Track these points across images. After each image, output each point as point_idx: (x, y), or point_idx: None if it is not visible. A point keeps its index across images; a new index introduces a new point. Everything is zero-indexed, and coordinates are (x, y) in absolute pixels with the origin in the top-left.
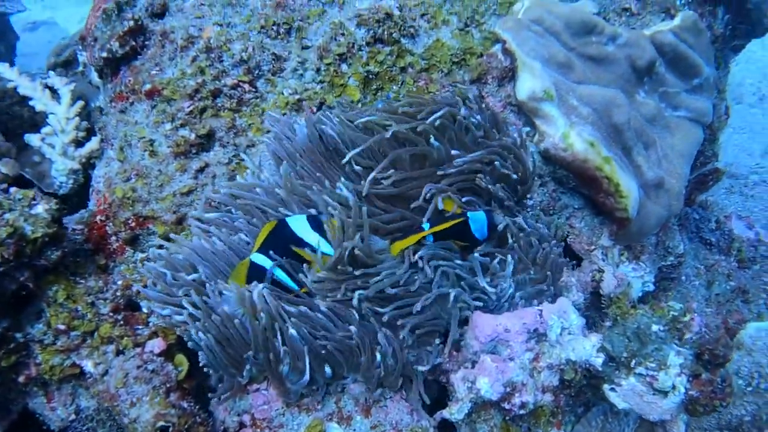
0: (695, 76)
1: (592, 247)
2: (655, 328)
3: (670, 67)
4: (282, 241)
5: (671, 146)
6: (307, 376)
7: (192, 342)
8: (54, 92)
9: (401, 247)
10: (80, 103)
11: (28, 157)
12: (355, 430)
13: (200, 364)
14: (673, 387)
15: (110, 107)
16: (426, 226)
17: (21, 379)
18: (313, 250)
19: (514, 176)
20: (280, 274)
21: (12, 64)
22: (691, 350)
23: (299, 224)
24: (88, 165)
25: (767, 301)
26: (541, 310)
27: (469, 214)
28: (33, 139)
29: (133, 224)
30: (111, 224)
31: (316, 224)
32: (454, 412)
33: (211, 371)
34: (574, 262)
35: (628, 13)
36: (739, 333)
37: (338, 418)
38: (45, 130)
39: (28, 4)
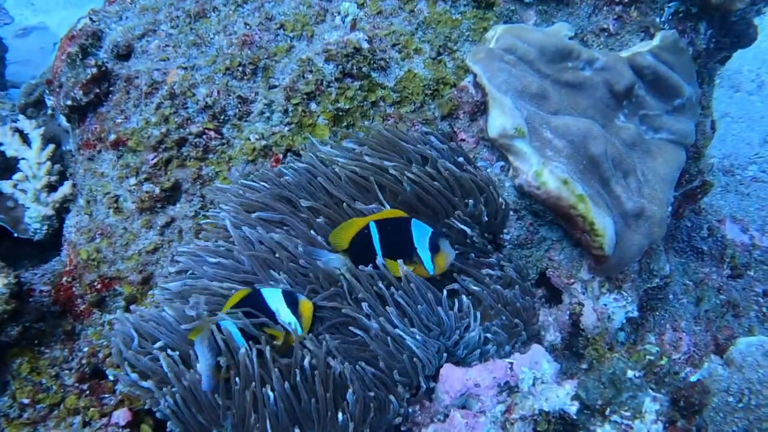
0: (676, 96)
1: (572, 281)
2: (630, 374)
3: (651, 89)
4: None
5: (653, 170)
6: None
7: (159, 411)
8: (24, 136)
9: (347, 236)
10: (51, 147)
11: (1, 201)
12: None
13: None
14: None
15: (79, 154)
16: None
17: None
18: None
19: (485, 218)
20: (233, 330)
21: (3, 77)
22: (667, 396)
23: (273, 297)
24: (62, 209)
25: (758, 313)
26: (511, 363)
27: (413, 219)
28: (5, 186)
29: (99, 286)
30: (78, 285)
31: (290, 300)
32: None
33: None
34: (549, 305)
35: (606, 34)
36: (729, 349)
37: None
38: (17, 176)
39: (17, 9)
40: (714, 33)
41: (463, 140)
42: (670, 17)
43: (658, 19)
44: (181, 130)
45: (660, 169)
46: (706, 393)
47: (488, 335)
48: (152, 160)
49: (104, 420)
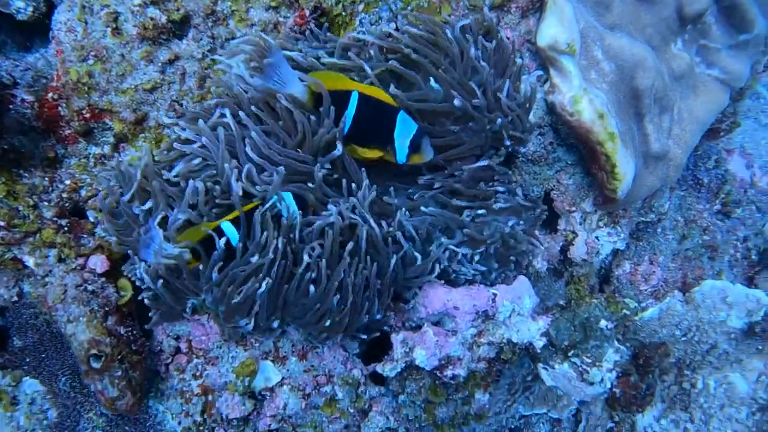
0: (745, 31)
1: (574, 209)
2: (603, 324)
3: (721, 17)
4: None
5: (690, 110)
6: (251, 326)
7: (137, 279)
8: None
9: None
10: None
11: None
12: (288, 370)
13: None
14: (601, 380)
15: None
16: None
17: None
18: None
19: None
20: (228, 228)
21: None
22: (630, 350)
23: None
24: None
25: (732, 258)
26: (495, 295)
27: (402, 110)
28: None
29: (88, 115)
30: (64, 106)
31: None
32: (387, 369)
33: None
34: (545, 229)
35: None
36: (694, 289)
37: (274, 357)
38: None
39: None
40: None
41: (507, 38)
42: None
43: None
44: None
45: (698, 110)
46: (667, 356)
47: (479, 266)
48: None
49: (80, 261)
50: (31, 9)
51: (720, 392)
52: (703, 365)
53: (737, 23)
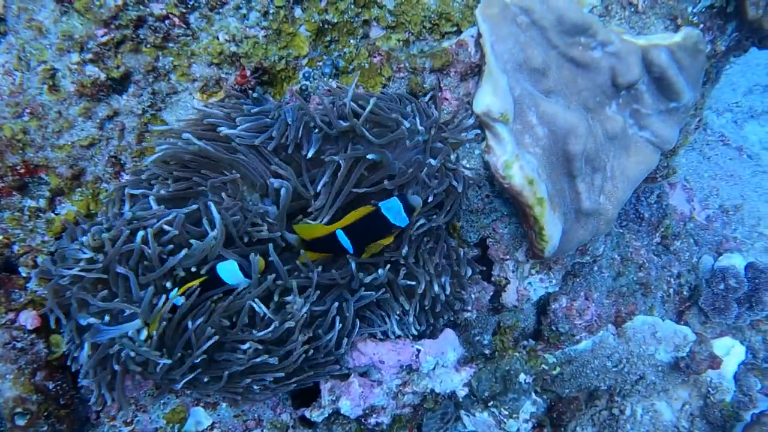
0: (674, 100)
1: (507, 257)
2: (522, 377)
3: (652, 85)
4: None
5: (622, 169)
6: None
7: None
8: None
9: (309, 235)
10: None
11: None
12: (219, 415)
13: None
14: (517, 430)
15: None
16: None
17: None
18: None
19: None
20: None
21: None
22: (546, 402)
23: (229, 270)
24: None
25: (665, 293)
26: (419, 351)
27: (380, 204)
28: None
29: (23, 171)
30: None
31: (245, 270)
32: (315, 415)
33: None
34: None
35: (632, 9)
36: (626, 323)
37: (205, 403)
38: None
39: None
40: (738, 35)
41: (446, 99)
42: (703, 10)
43: (690, 9)
44: (142, 6)
45: (630, 170)
46: (578, 410)
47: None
48: (102, 37)
49: (10, 316)
50: None
51: (646, 419)
52: (632, 393)
53: (666, 92)
